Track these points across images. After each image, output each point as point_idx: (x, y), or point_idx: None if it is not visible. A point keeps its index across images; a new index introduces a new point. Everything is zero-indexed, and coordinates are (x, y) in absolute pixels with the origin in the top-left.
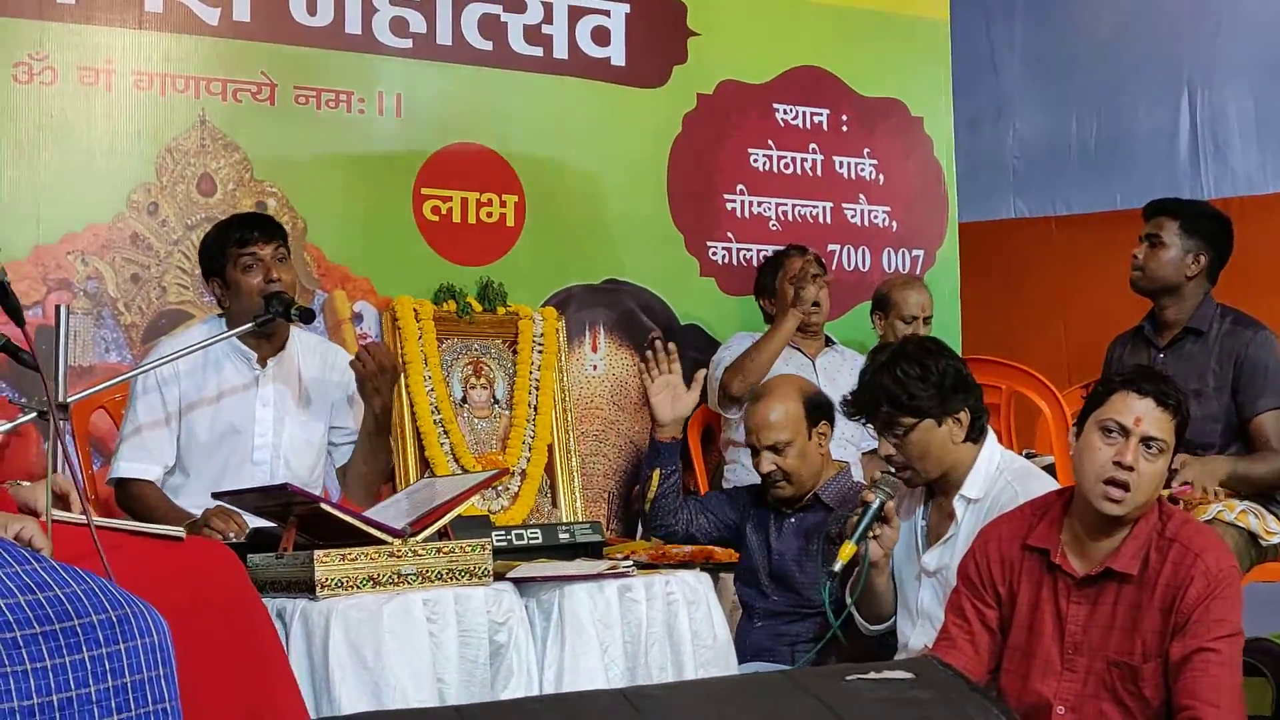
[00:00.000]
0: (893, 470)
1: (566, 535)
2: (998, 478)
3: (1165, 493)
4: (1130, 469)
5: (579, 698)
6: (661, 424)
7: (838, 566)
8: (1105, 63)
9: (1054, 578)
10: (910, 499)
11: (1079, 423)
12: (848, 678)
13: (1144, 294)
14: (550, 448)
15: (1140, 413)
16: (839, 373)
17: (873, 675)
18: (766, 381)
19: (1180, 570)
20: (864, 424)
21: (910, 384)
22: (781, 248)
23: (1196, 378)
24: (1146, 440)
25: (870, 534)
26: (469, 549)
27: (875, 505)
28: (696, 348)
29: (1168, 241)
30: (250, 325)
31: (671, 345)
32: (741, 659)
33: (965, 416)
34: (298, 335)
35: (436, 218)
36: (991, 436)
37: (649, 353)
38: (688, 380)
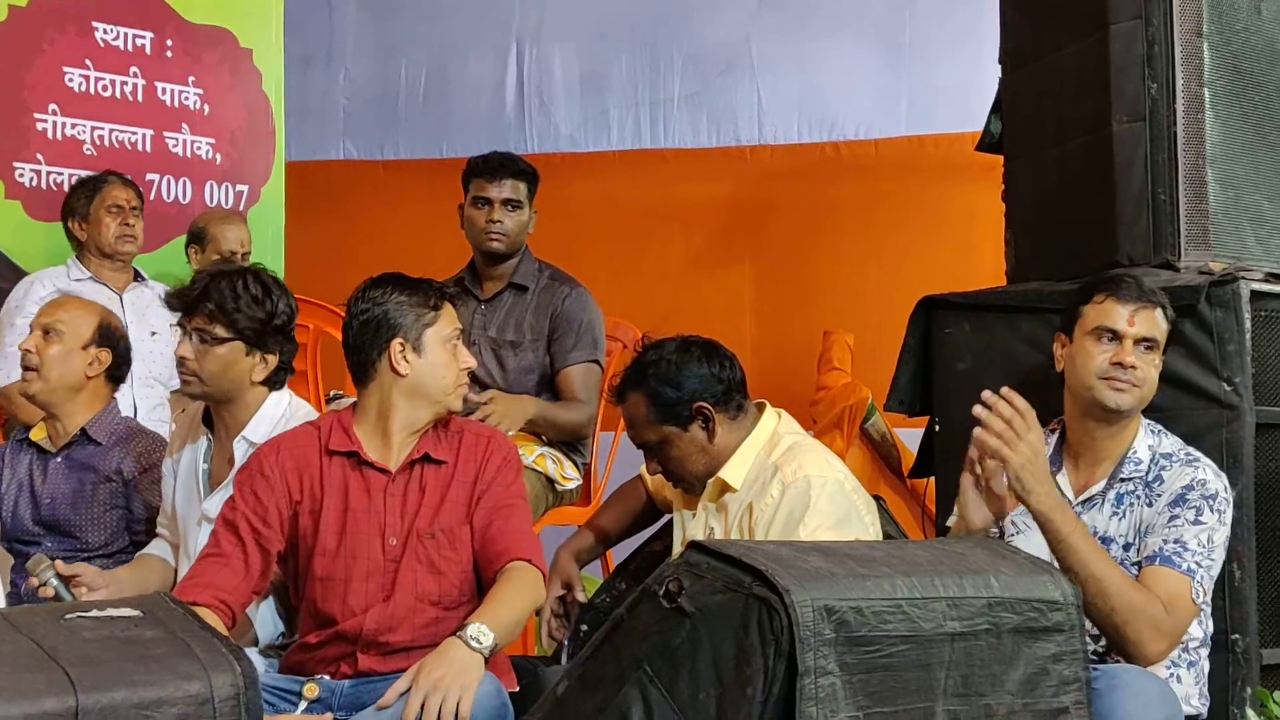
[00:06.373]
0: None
1: None
2: (279, 421)
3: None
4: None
5: None
6: None
7: None
8: (437, 11)
9: (364, 476)
10: (194, 443)
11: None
12: (67, 616)
13: (501, 258)
14: None
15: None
16: (149, 309)
17: (95, 614)
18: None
19: (478, 450)
20: (177, 323)
21: (243, 301)
22: (96, 173)
23: (515, 330)
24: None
25: None
26: None
27: None
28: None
29: (523, 205)
30: None
31: None
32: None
33: (273, 360)
34: None
35: None
36: (288, 389)
37: None
38: None
